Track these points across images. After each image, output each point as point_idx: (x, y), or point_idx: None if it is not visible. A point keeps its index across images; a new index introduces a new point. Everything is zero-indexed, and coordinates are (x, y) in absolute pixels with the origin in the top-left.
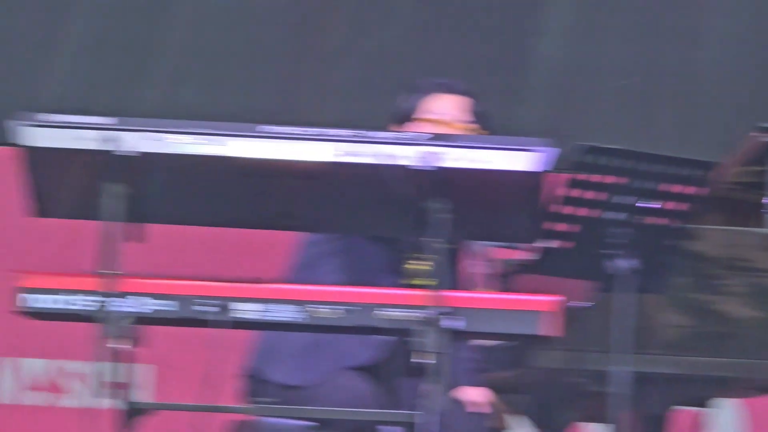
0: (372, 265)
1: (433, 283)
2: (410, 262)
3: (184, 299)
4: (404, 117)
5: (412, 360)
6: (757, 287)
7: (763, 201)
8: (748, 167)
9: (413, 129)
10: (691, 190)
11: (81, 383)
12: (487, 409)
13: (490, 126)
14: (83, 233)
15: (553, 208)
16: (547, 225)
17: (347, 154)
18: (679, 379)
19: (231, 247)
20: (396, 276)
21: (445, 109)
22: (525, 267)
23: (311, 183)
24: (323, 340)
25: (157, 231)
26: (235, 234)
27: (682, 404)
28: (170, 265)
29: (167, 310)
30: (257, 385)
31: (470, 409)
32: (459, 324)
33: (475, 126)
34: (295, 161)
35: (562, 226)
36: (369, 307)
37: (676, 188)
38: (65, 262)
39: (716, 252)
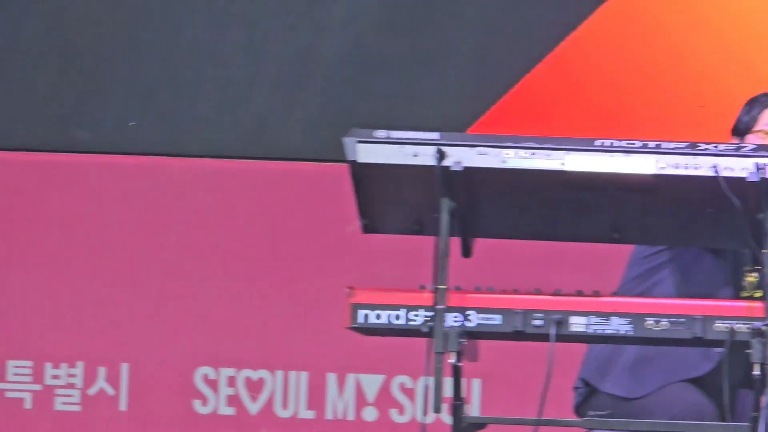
0: (708, 277)
1: (762, 294)
2: (747, 274)
3: (521, 314)
4: (744, 130)
5: (748, 372)
6: None
7: None
8: None
9: (750, 141)
10: None
11: (412, 399)
12: None
13: None
14: (403, 248)
15: None
16: None
17: (672, 166)
18: None
19: (557, 260)
20: (732, 288)
21: None
22: None
23: (641, 195)
24: (657, 351)
25: (483, 245)
26: (562, 247)
27: None
28: (496, 278)
29: (499, 324)
30: (589, 397)
31: None
32: None
33: None
34: (626, 174)
35: None
36: (706, 319)
37: None
38: (388, 278)
39: None
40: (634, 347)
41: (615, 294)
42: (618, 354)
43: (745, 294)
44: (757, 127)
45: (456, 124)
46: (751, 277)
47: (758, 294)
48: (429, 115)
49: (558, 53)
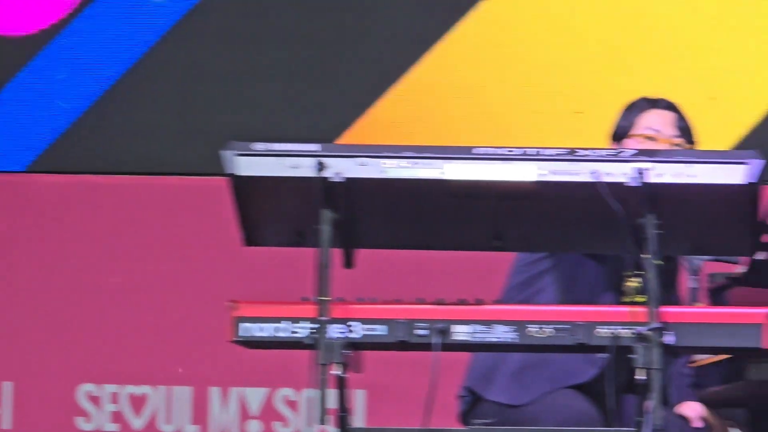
0: (590, 283)
1: (644, 299)
2: (628, 279)
3: (405, 324)
4: (623, 134)
5: (632, 377)
6: None
7: None
8: None
9: (628, 145)
10: None
11: (295, 411)
12: (702, 424)
13: (694, 140)
14: (286, 260)
15: (762, 219)
16: (758, 237)
17: (552, 173)
18: None
19: (440, 269)
20: (614, 293)
21: (654, 124)
22: (734, 280)
23: (521, 203)
24: (542, 358)
25: (365, 256)
26: (445, 256)
27: None
28: (379, 289)
29: (383, 334)
30: (474, 405)
31: (694, 424)
32: (670, 339)
33: (680, 140)
34: (506, 182)
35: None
36: (589, 325)
37: None
38: (272, 290)
39: None
40: (518, 354)
41: (498, 302)
42: (502, 361)
43: (627, 299)
44: (635, 131)
45: (328, 135)
46: (633, 282)
47: (640, 299)
48: (301, 127)
49: (428, 61)
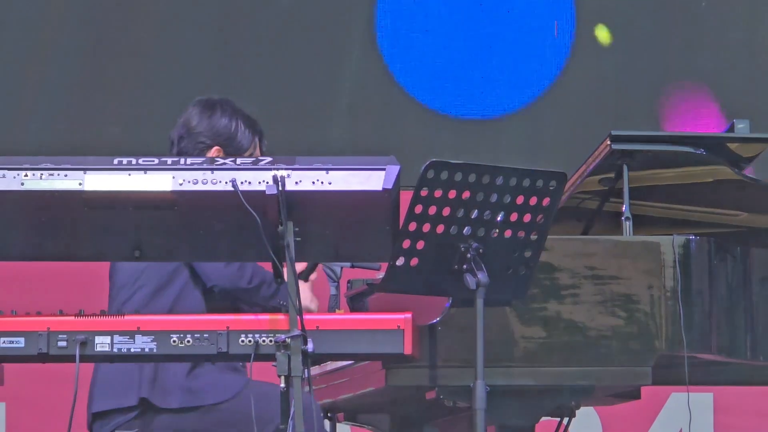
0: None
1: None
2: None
3: (47, 335)
4: None
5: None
6: (610, 295)
7: (623, 209)
8: (601, 176)
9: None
10: (545, 201)
11: None
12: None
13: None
14: None
15: (401, 225)
16: (395, 242)
17: (190, 182)
18: (540, 390)
19: (80, 280)
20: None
21: None
22: (374, 286)
23: (161, 212)
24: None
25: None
26: (85, 267)
27: (544, 415)
28: (17, 301)
29: (22, 347)
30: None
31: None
32: (309, 346)
33: None
34: (144, 192)
35: (407, 243)
36: (230, 333)
37: (531, 200)
38: None
39: (569, 262)
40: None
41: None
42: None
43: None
44: None
45: None
46: None
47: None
48: None
49: None
